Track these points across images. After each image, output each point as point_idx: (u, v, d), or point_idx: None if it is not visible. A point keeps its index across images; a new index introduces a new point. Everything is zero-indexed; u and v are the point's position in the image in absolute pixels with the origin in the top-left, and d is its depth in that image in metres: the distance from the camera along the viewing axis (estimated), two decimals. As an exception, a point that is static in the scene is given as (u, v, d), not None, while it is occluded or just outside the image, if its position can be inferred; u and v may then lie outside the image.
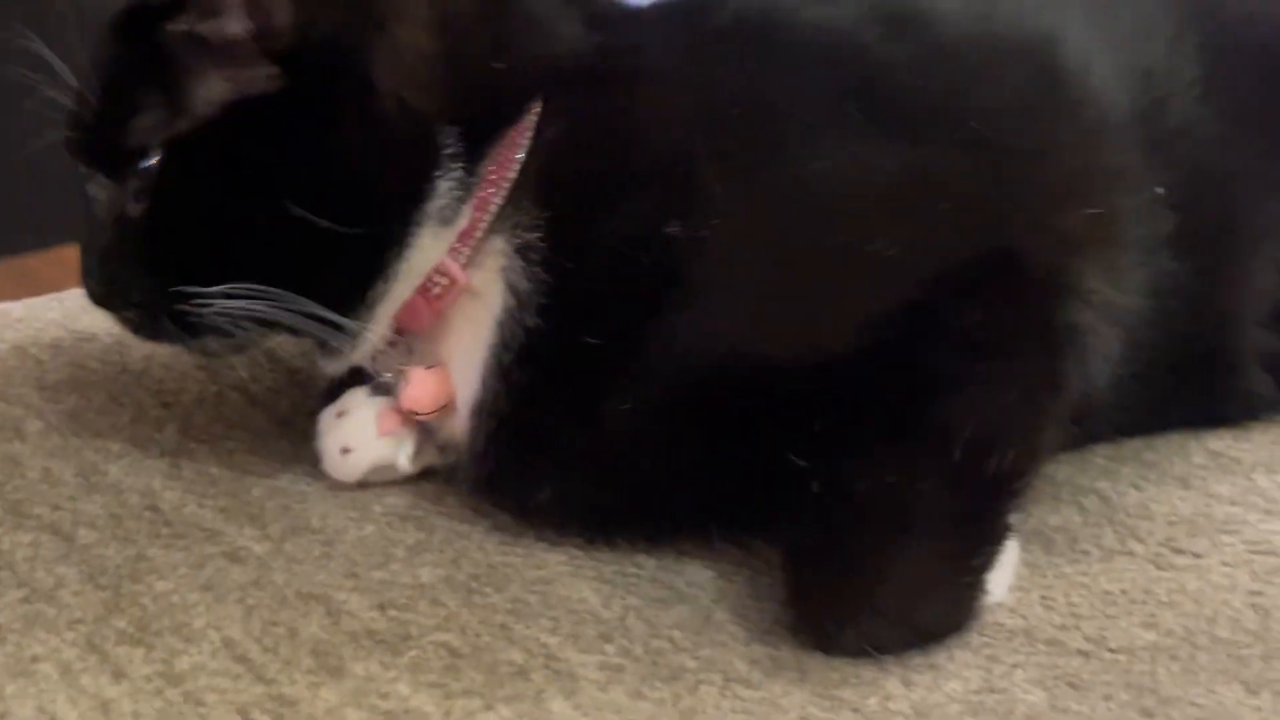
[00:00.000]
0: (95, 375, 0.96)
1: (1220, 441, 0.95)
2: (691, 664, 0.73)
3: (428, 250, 0.81)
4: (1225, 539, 0.84)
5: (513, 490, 0.84)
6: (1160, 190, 0.90)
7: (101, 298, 0.85)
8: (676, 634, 0.76)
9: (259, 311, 0.80)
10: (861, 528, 0.76)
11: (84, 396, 0.93)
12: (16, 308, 1.04)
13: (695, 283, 0.79)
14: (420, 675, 0.71)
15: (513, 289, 0.81)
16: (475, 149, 0.81)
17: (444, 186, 0.80)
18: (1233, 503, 0.88)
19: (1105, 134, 0.90)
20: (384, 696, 0.69)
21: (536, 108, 0.82)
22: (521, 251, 0.81)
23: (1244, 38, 0.98)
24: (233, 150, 0.80)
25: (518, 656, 0.73)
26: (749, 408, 0.79)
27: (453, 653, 0.73)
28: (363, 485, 0.87)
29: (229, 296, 0.80)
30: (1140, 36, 0.95)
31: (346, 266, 0.81)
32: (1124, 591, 0.79)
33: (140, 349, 0.97)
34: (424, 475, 0.88)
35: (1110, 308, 0.86)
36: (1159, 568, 0.82)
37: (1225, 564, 0.81)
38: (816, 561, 0.77)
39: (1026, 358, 0.81)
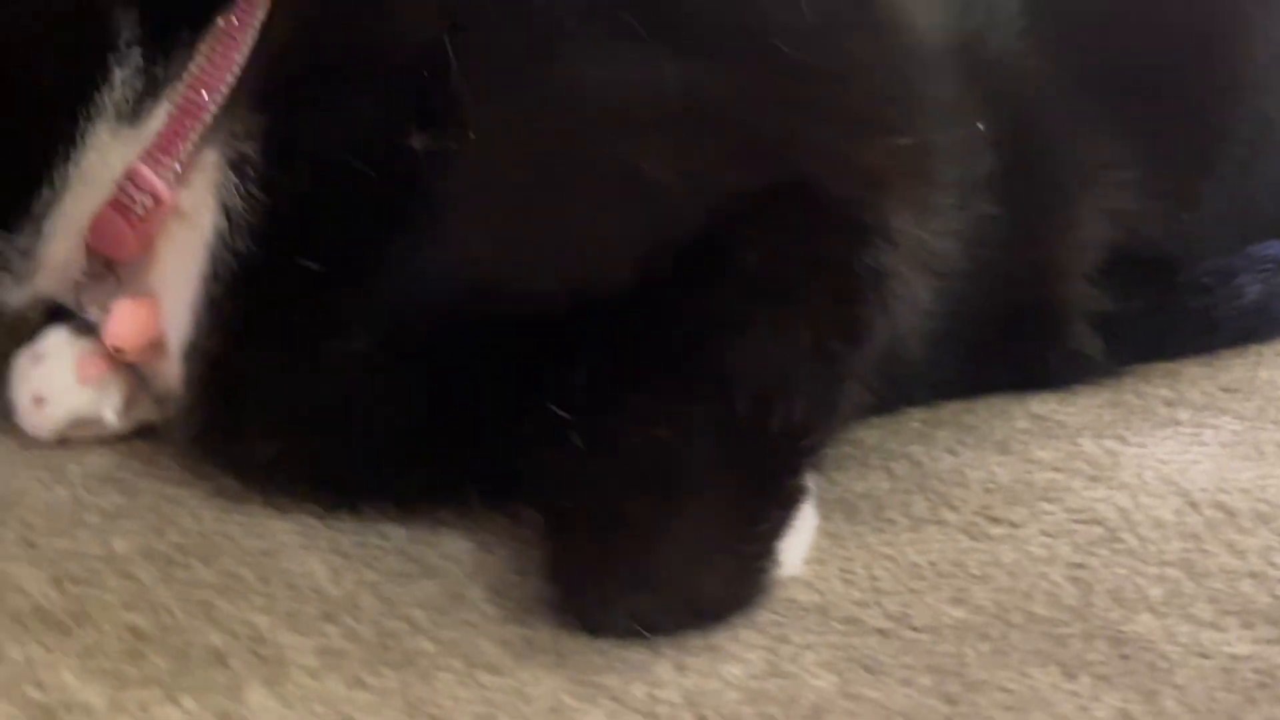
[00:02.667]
0: None
1: (1044, 405, 0.88)
2: (430, 647, 0.62)
3: (108, 152, 0.69)
4: (1046, 507, 0.75)
5: (232, 447, 0.72)
6: (980, 126, 0.82)
7: None
8: (417, 613, 0.64)
9: None
10: (630, 489, 0.65)
11: None
12: None
13: (438, 202, 0.68)
14: (92, 661, 0.59)
15: (225, 209, 0.69)
16: (164, 32, 0.69)
17: (119, 76, 0.68)
18: (1055, 469, 0.79)
19: (917, 60, 0.81)
20: (40, 686, 0.57)
21: None
22: (235, 165, 0.69)
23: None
24: None
25: (216, 639, 0.61)
26: (502, 348, 0.69)
27: (137, 635, 0.61)
28: (62, 442, 0.74)
29: None
30: None
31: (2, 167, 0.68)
32: (932, 564, 0.70)
33: None
34: (140, 434, 0.76)
35: (920, 252, 0.77)
36: (972, 538, 0.73)
37: (1045, 534, 0.73)
38: (579, 528, 0.66)
39: (820, 301, 0.71)
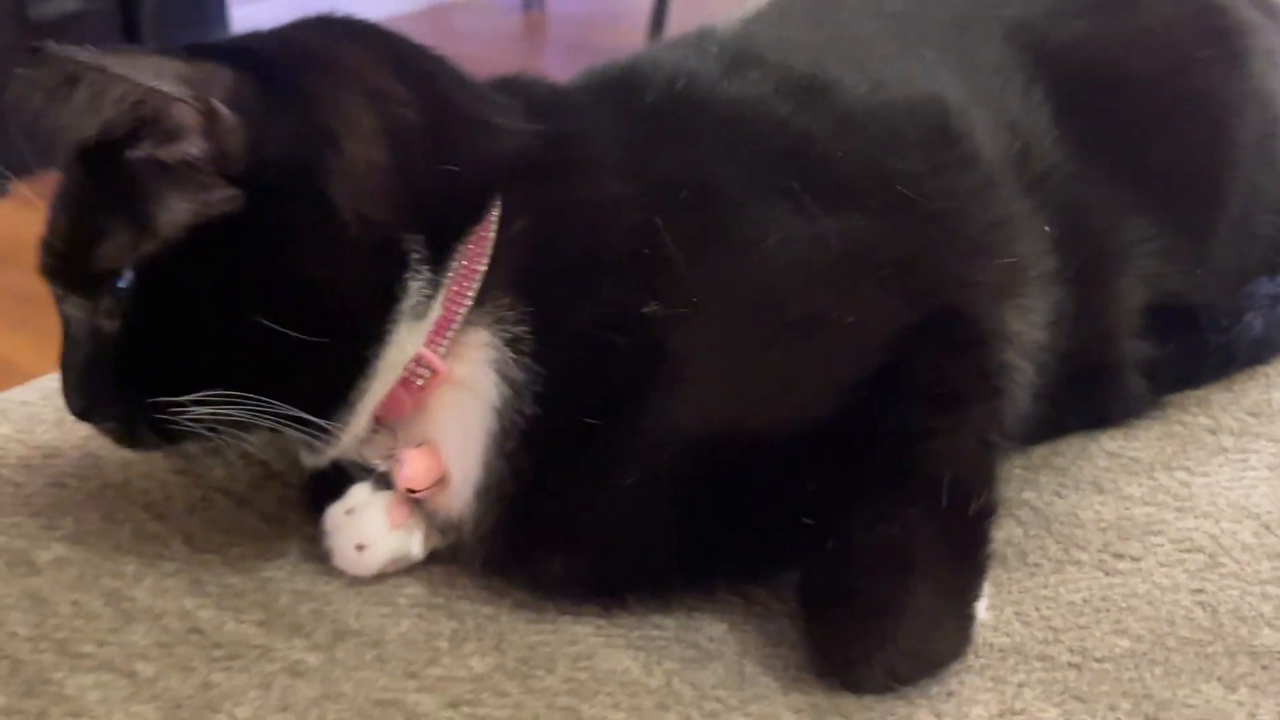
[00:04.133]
0: (79, 494, 0.96)
1: (1114, 443, 1.07)
2: (745, 721, 0.81)
3: (405, 345, 0.86)
4: (1153, 540, 0.95)
5: (525, 566, 0.90)
6: (1047, 230, 1.01)
7: (82, 411, 0.87)
8: (721, 693, 0.83)
9: (237, 416, 0.83)
10: (873, 575, 0.84)
11: (77, 519, 0.94)
12: (-40, 426, 1.03)
13: (678, 357, 0.86)
14: (513, 769, 0.76)
15: (507, 380, 0.86)
16: (441, 249, 0.86)
17: (414, 286, 0.85)
18: (1145, 503, 1.00)
19: (996, 186, 1.00)
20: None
21: (497, 203, 0.87)
22: (511, 345, 0.86)
23: (1081, 79, 1.08)
24: (200, 269, 0.83)
25: (596, 738, 0.79)
26: (743, 471, 0.87)
27: (536, 743, 0.78)
28: (377, 577, 0.91)
29: (205, 403, 0.82)
30: (998, 90, 1.05)
31: (323, 371, 0.85)
32: (1085, 600, 0.90)
33: (111, 458, 0.98)
34: (429, 559, 0.93)
35: (1026, 344, 0.97)
36: (1106, 574, 0.93)
37: (1161, 565, 0.93)
38: (834, 609, 0.85)
39: (979, 402, 0.91)
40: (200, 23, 3.45)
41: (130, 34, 3.30)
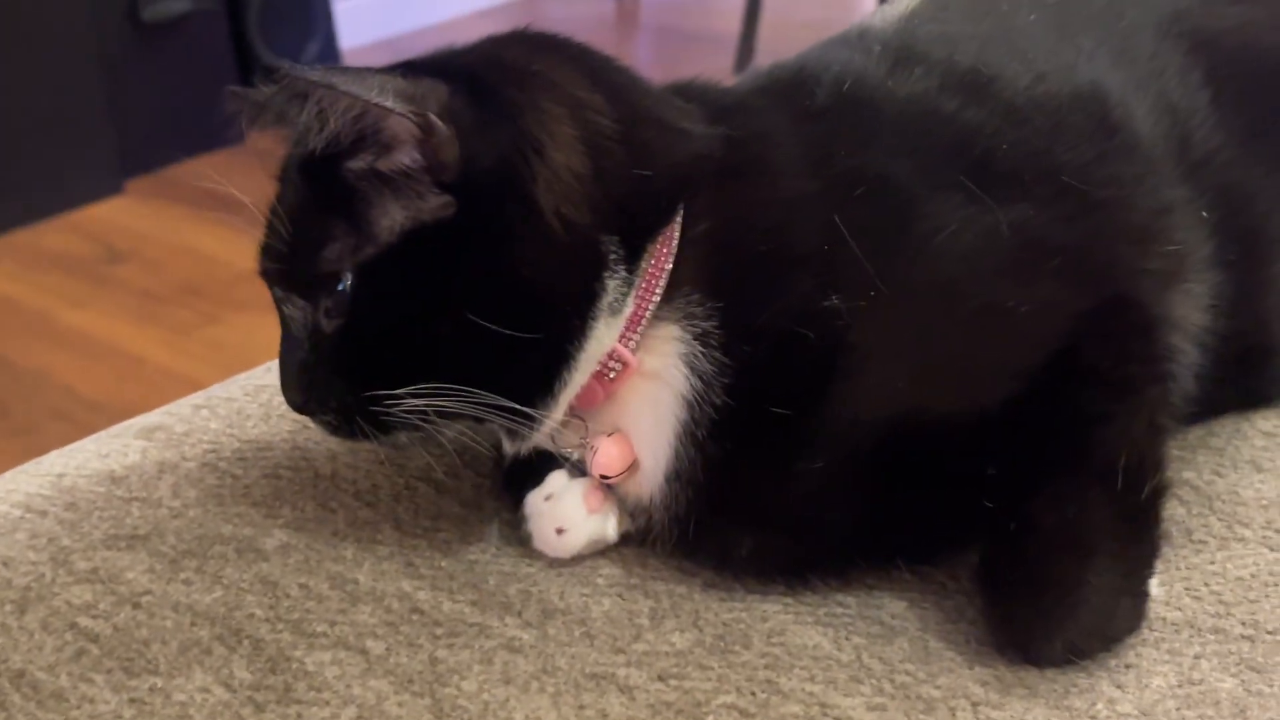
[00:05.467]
0: (294, 484, 1.02)
1: (1267, 422, 1.10)
2: (936, 693, 0.85)
3: (602, 339, 0.91)
4: (1315, 517, 0.99)
5: (714, 547, 0.95)
6: (1205, 215, 1.04)
7: (301, 405, 0.93)
8: (909, 666, 0.87)
9: (449, 408, 0.89)
10: (1054, 556, 0.88)
11: (295, 508, 1.00)
12: (174, 422, 1.09)
13: (861, 348, 0.91)
14: (726, 736, 0.82)
15: (696, 372, 0.91)
16: (634, 248, 0.91)
17: (611, 284, 0.90)
18: (1305, 481, 1.03)
19: (1158, 173, 1.03)
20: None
21: (682, 203, 0.92)
22: (701, 339, 0.91)
23: (1239, 64, 1.11)
24: (416, 271, 0.89)
25: (798, 709, 0.84)
26: (924, 456, 0.91)
27: (743, 714, 0.83)
28: (575, 558, 0.96)
29: (419, 395, 0.88)
30: (1155, 74, 1.08)
31: (531, 364, 0.90)
32: (1253, 575, 0.94)
33: (319, 450, 1.05)
34: (621, 541, 0.98)
35: (1190, 328, 1.01)
36: (1271, 549, 0.96)
37: (1325, 541, 0.97)
38: (1016, 588, 0.89)
39: (1150, 387, 0.95)
40: (304, 20, 3.54)
41: (237, 33, 3.40)
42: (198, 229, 2.81)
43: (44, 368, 2.59)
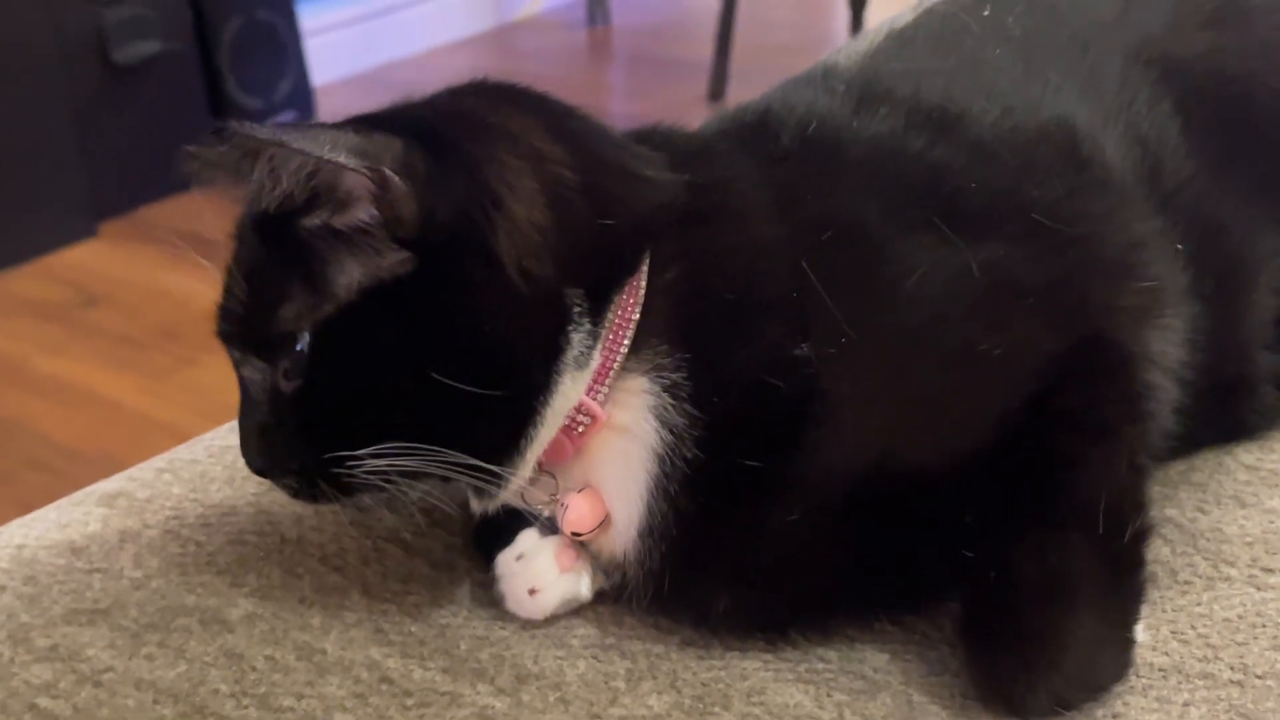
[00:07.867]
0: (259, 550, 1.00)
1: (1250, 455, 1.08)
2: (920, 751, 0.83)
3: (569, 393, 0.89)
4: (1302, 553, 0.97)
5: (691, 603, 0.93)
6: (1179, 247, 1.02)
7: (262, 468, 0.91)
8: (893, 724, 0.85)
9: (412, 467, 0.87)
10: (1035, 604, 0.86)
11: (260, 575, 0.98)
12: (135, 488, 1.07)
13: (833, 397, 0.89)
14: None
15: (667, 425, 0.89)
16: (599, 299, 0.89)
17: (576, 337, 0.88)
18: (1290, 515, 1.01)
19: (1130, 206, 1.01)
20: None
21: (648, 252, 0.90)
22: (670, 391, 0.89)
23: (1209, 92, 1.09)
24: (376, 329, 0.87)
25: (778, 772, 0.82)
26: (900, 504, 0.89)
27: (722, 779, 0.81)
28: (549, 619, 0.94)
29: (382, 456, 0.86)
30: (1125, 105, 1.06)
31: (494, 421, 0.88)
32: (1240, 616, 0.92)
33: (284, 513, 1.02)
34: (594, 599, 0.96)
35: (1167, 362, 0.99)
36: (1258, 589, 0.94)
37: (1313, 578, 0.95)
38: (999, 639, 0.87)
39: (1128, 427, 0.93)
40: (276, 58, 3.52)
41: (208, 73, 3.38)
42: (173, 271, 2.78)
43: (19, 416, 2.56)
